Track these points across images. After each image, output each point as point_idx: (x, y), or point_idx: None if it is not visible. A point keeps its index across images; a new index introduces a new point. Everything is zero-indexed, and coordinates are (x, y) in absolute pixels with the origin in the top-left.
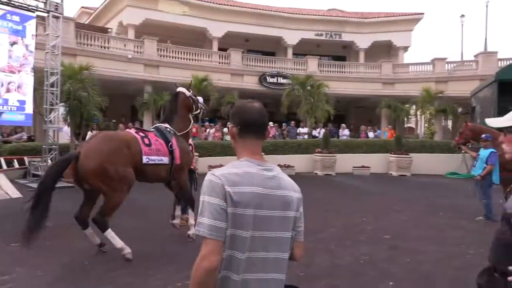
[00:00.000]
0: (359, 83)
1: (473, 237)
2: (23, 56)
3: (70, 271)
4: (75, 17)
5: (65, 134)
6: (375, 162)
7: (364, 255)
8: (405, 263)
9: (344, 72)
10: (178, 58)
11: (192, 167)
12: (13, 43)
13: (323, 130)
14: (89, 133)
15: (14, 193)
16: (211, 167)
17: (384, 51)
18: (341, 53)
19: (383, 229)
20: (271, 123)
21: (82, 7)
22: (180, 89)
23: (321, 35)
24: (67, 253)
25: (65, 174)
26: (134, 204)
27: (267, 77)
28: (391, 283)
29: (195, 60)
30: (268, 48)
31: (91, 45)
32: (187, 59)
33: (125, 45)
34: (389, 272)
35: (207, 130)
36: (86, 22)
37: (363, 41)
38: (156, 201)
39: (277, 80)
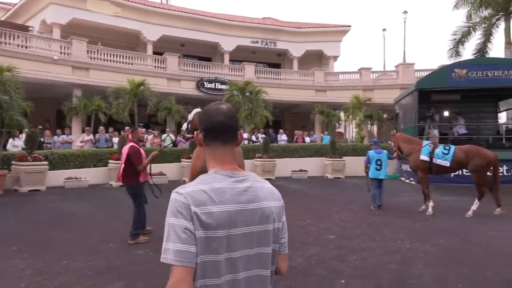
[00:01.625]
0: (293, 89)
1: (404, 232)
2: None
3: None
4: None
5: None
6: (312, 165)
7: (314, 256)
8: (352, 261)
9: (280, 79)
10: (111, 61)
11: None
12: None
13: (261, 136)
14: (10, 141)
15: None
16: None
17: (316, 59)
18: (276, 60)
19: (327, 229)
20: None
21: None
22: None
23: (257, 42)
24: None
25: None
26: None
27: (204, 82)
28: (342, 281)
29: (129, 64)
30: (205, 53)
31: (9, 44)
32: (120, 62)
33: (49, 46)
34: (339, 270)
35: (145, 136)
36: (1, 19)
37: (296, 49)
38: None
39: (215, 85)
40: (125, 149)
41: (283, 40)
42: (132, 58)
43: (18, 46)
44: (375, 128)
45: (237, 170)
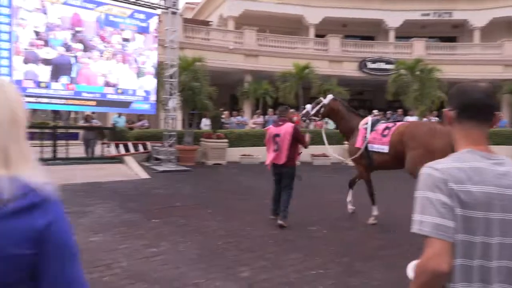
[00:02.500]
0: (474, 66)
1: None
2: (150, 50)
3: (206, 249)
4: (182, 12)
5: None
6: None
7: None
8: None
9: (456, 55)
10: (276, 47)
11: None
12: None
13: (434, 118)
14: (203, 120)
15: (143, 174)
16: (314, 155)
17: (504, 29)
18: (450, 33)
19: None
20: (375, 111)
21: (186, 2)
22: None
23: (428, 14)
24: (200, 233)
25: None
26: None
27: (367, 62)
28: None
29: (292, 48)
30: (367, 32)
31: (194, 38)
32: (284, 47)
33: (223, 36)
34: None
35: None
36: (189, 17)
37: (478, 18)
38: None
39: (379, 65)
40: (287, 130)
41: (461, 9)
42: (295, 42)
43: (202, 39)
44: None
45: (492, 152)
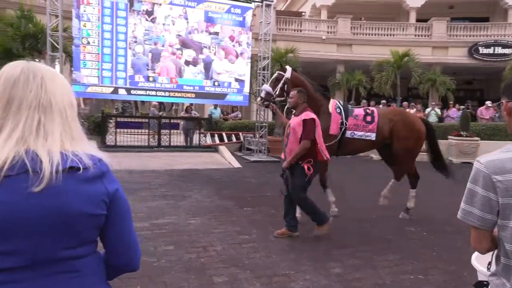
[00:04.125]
0: None
1: None
2: (247, 44)
3: (296, 241)
4: (274, 5)
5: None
6: None
7: None
8: None
9: None
10: (372, 34)
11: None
12: (235, 33)
13: None
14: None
15: (236, 163)
16: None
17: None
18: None
19: None
20: (488, 103)
21: None
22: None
23: None
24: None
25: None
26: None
27: (479, 47)
28: None
29: (390, 35)
30: (480, 13)
31: (286, 30)
32: (381, 35)
33: (316, 27)
34: None
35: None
36: (282, 9)
37: None
38: None
39: (494, 50)
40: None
41: None
42: (393, 29)
43: (294, 30)
44: None
45: None
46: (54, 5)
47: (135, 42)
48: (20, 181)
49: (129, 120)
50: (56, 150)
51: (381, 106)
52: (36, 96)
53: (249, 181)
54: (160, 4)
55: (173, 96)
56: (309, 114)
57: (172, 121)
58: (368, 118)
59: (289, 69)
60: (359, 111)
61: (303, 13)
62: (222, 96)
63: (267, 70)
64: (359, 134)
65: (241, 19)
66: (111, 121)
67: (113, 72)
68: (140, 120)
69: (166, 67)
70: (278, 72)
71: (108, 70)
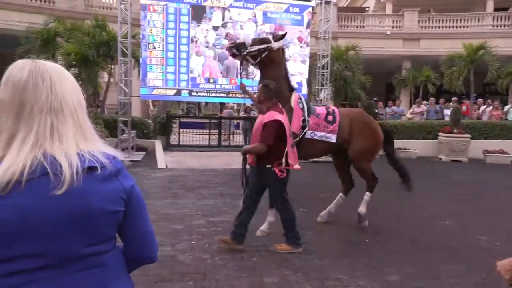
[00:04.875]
0: None
1: None
2: (303, 43)
3: (351, 244)
4: (336, 1)
5: None
6: None
7: None
8: None
9: None
10: (442, 27)
11: None
12: (294, 32)
13: None
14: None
15: None
16: (487, 151)
17: None
18: None
19: None
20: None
21: None
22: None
23: None
24: (345, 226)
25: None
26: None
27: None
28: None
29: (462, 27)
30: None
31: (348, 27)
32: (452, 27)
33: (380, 22)
34: None
35: (481, 108)
36: (344, 6)
37: None
38: None
39: None
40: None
41: None
42: (467, 20)
43: (356, 27)
44: None
45: None
46: (124, 14)
47: (207, 47)
48: (42, 185)
49: (192, 120)
50: (73, 152)
51: (451, 103)
52: (47, 100)
53: (305, 181)
54: (230, 10)
55: (232, 97)
56: (272, 115)
57: (232, 121)
58: (330, 118)
59: (279, 43)
60: (321, 109)
61: (366, 9)
62: None
63: (327, 69)
64: (319, 134)
65: (299, 18)
66: (175, 121)
67: (176, 75)
68: (202, 120)
69: (229, 67)
70: (267, 37)
71: (171, 73)
